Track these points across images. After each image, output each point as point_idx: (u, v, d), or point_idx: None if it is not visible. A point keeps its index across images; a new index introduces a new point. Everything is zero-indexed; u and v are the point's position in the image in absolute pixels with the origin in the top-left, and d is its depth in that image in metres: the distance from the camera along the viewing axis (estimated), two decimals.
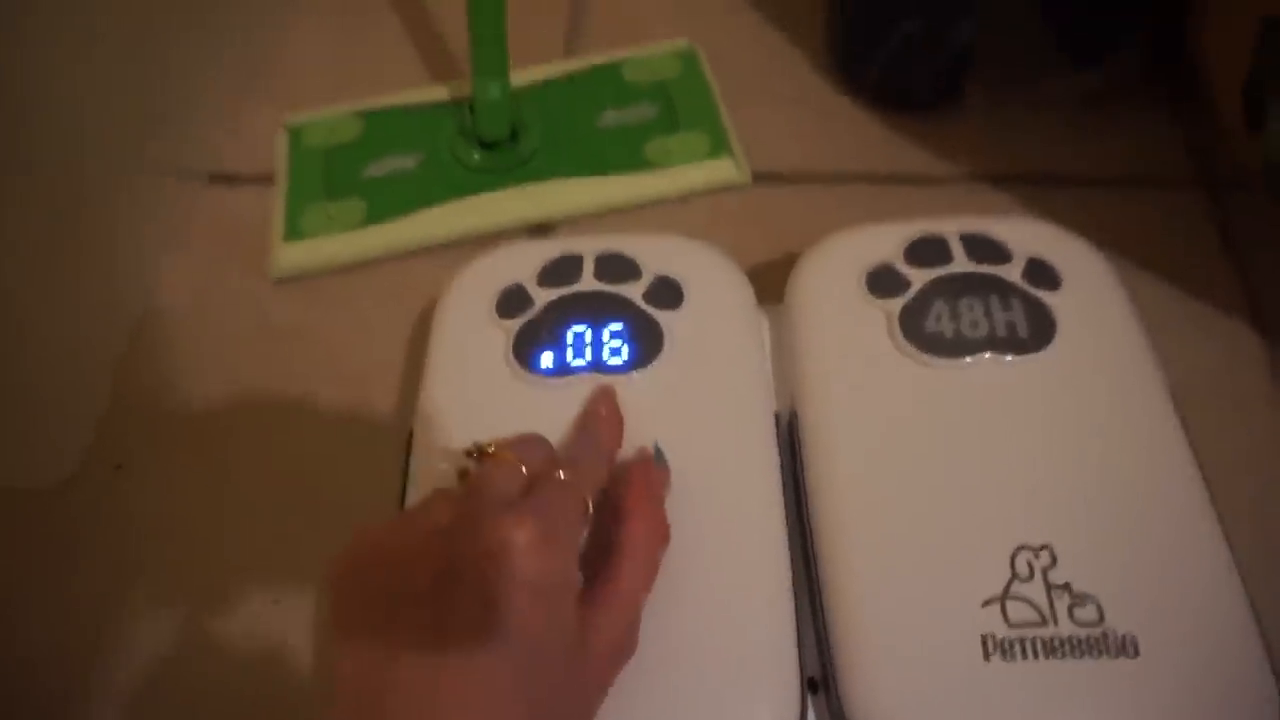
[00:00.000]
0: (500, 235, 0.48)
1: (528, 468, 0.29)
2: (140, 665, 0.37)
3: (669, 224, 0.49)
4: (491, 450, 0.30)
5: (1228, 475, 0.34)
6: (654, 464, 0.33)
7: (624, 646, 0.29)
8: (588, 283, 0.38)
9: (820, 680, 0.31)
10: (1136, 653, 0.29)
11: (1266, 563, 0.34)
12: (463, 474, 0.31)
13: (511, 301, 0.38)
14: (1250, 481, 0.38)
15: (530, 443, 0.31)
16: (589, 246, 0.39)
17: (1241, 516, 0.33)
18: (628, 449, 0.34)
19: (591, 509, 0.30)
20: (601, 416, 0.34)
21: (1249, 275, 0.46)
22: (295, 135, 0.52)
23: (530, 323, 0.37)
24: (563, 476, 0.29)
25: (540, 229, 0.49)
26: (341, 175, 0.50)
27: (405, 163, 0.51)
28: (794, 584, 0.32)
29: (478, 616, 0.25)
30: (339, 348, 0.46)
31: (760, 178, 0.51)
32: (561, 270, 0.38)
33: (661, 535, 0.31)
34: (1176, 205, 0.49)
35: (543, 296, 0.37)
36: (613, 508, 0.31)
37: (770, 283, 0.40)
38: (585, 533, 0.30)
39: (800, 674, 0.30)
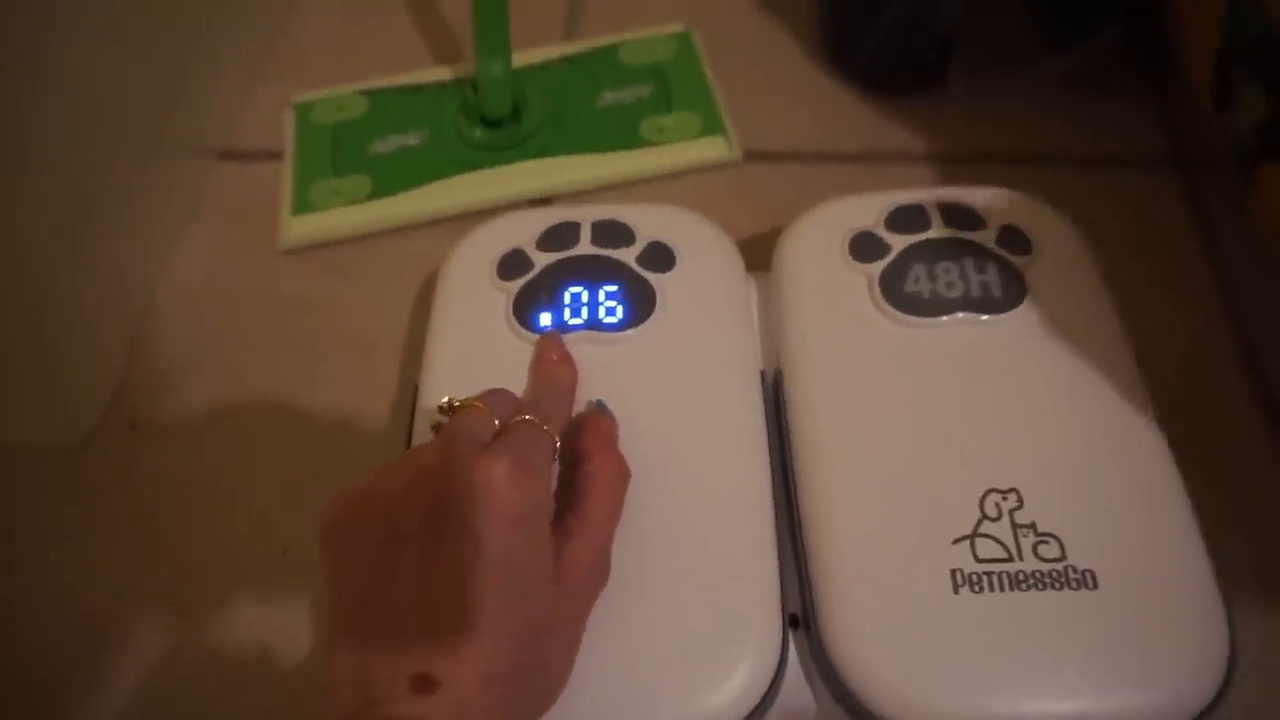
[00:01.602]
0: (501, 210, 0.50)
1: (497, 415, 0.31)
2: (157, 618, 0.39)
3: (663, 199, 0.50)
4: (460, 403, 0.32)
5: (1196, 446, 0.35)
6: (599, 412, 0.35)
7: (597, 574, 0.31)
8: (584, 247, 0.40)
9: (801, 616, 0.33)
10: (1095, 585, 0.31)
11: (1232, 519, 0.35)
12: (437, 427, 0.33)
13: (512, 264, 0.39)
14: (1218, 452, 0.40)
15: (497, 394, 0.33)
16: (586, 214, 0.41)
17: (1209, 481, 0.34)
18: (620, 405, 0.35)
19: (558, 444, 0.32)
20: (553, 361, 0.36)
21: (1219, 252, 0.48)
22: (303, 113, 0.54)
23: (530, 284, 0.39)
24: (528, 418, 0.31)
25: (540, 204, 0.51)
26: (348, 151, 0.52)
27: (410, 140, 0.52)
28: (777, 527, 0.34)
29: (465, 548, 0.27)
30: (346, 315, 0.48)
31: (751, 156, 0.52)
32: (560, 235, 0.40)
33: (623, 472, 0.33)
34: (1151, 184, 0.51)
35: (542, 260, 0.39)
36: (571, 455, 0.33)
37: (758, 254, 0.42)
38: (554, 469, 0.32)
39: (782, 610, 0.32)
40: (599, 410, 0.35)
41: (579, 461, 0.32)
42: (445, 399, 0.32)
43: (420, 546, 0.28)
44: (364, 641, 0.27)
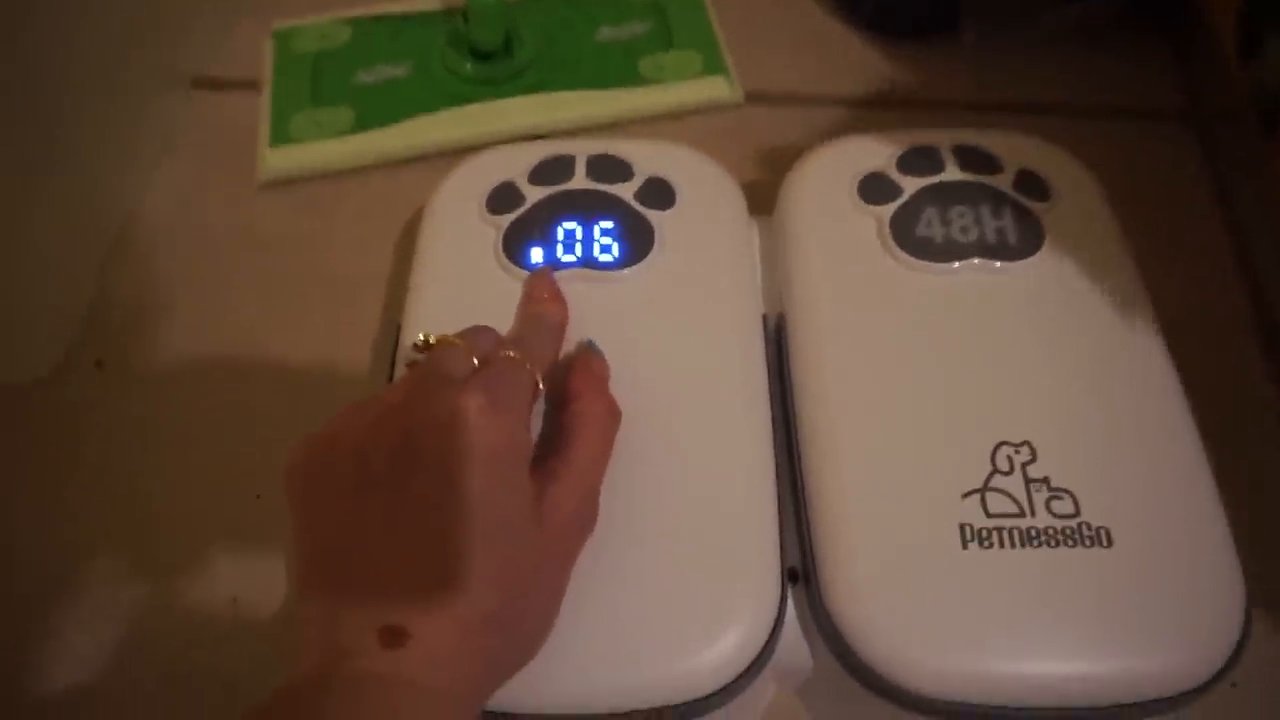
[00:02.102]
0: (491, 147, 0.47)
1: (476, 353, 0.29)
2: (121, 567, 0.37)
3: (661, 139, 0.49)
4: (437, 340, 0.30)
5: (1208, 402, 0.34)
6: (590, 352, 0.33)
7: (583, 519, 0.29)
8: (580, 181, 0.38)
9: (800, 570, 0.32)
10: (1109, 544, 0.30)
11: (1244, 473, 0.34)
12: (412, 365, 0.31)
13: (502, 198, 0.37)
14: (1230, 411, 0.39)
15: (478, 331, 0.31)
16: (581, 148, 0.39)
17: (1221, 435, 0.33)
18: (614, 347, 0.34)
19: (541, 386, 0.30)
20: (543, 298, 0.34)
21: (1233, 207, 0.46)
22: (282, 41, 0.52)
23: (520, 219, 0.37)
24: (510, 354, 0.29)
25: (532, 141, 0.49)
26: (330, 82, 0.50)
27: (395, 71, 0.50)
28: (776, 476, 0.32)
29: (435, 489, 0.25)
30: (326, 254, 0.46)
31: (753, 98, 0.50)
32: (553, 169, 0.38)
33: (613, 413, 0.31)
34: (1165, 138, 0.49)
35: (534, 194, 0.37)
36: (559, 396, 0.31)
37: (759, 199, 0.40)
38: (536, 406, 0.30)
39: (781, 564, 0.31)
40: (590, 350, 0.33)
41: (566, 402, 0.31)
42: (421, 335, 0.30)
43: (389, 489, 0.26)
44: (332, 592, 0.26)
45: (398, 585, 0.25)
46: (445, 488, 0.25)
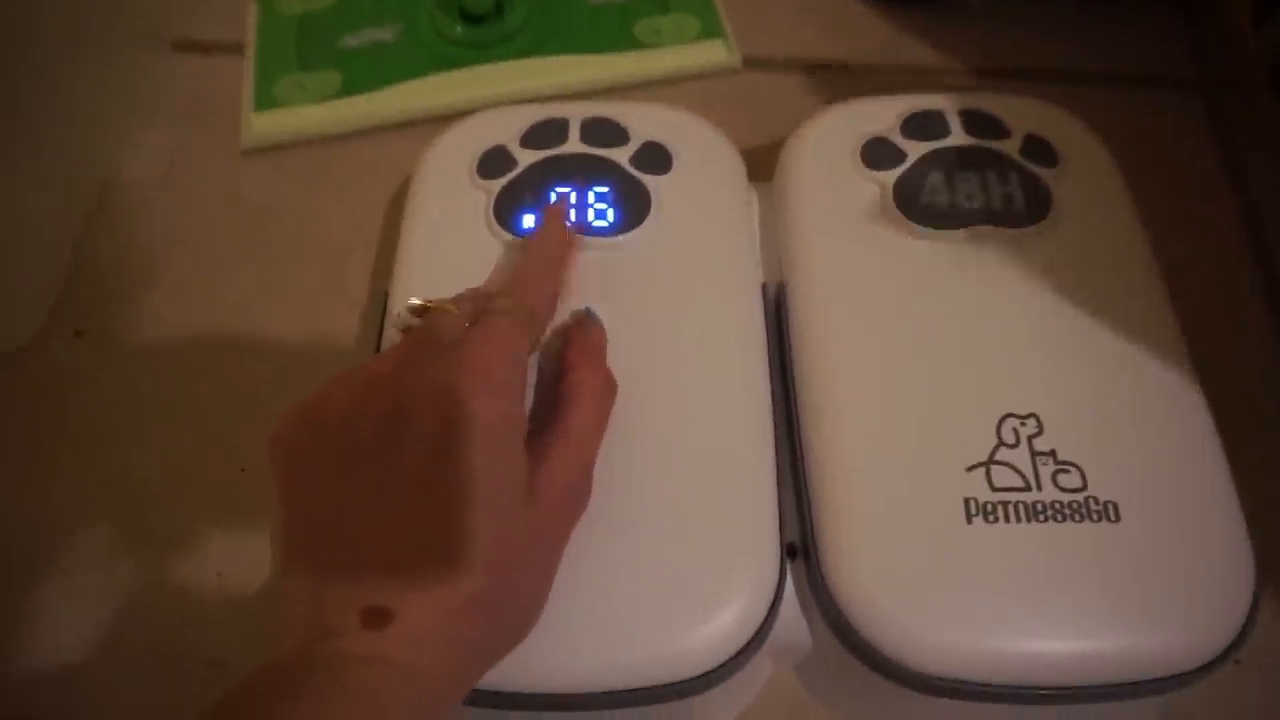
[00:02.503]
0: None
1: (471, 318, 0.28)
2: (102, 541, 0.36)
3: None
4: (430, 304, 0.29)
5: (1215, 371, 0.33)
6: (589, 320, 0.32)
7: (576, 496, 0.28)
8: (574, 145, 0.36)
9: (800, 545, 0.31)
10: (1117, 518, 0.29)
11: (1253, 451, 0.33)
12: (406, 331, 0.30)
13: (493, 162, 0.36)
14: (1238, 380, 0.38)
15: (472, 295, 0.30)
16: (575, 111, 0.38)
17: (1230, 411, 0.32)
18: (609, 315, 0.33)
19: (537, 336, 0.29)
20: (553, 232, 0.33)
21: (1243, 177, 0.45)
22: (266, 2, 0.50)
23: (512, 184, 0.35)
24: (504, 305, 0.28)
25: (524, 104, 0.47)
26: (315, 45, 0.48)
27: (383, 34, 0.48)
28: (775, 449, 0.31)
29: (426, 461, 0.24)
30: (312, 221, 0.44)
31: (751, 64, 0.49)
32: (546, 133, 0.37)
33: (609, 386, 0.30)
34: (1175, 107, 0.48)
35: (526, 158, 0.36)
36: (554, 367, 0.30)
37: (758, 166, 0.39)
38: (532, 369, 0.29)
39: (780, 539, 0.30)
40: (588, 318, 0.32)
41: (562, 373, 0.30)
42: (412, 300, 0.29)
43: (377, 460, 0.25)
44: (317, 569, 0.25)
45: (384, 562, 0.24)
46: (436, 461, 0.24)
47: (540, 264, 0.32)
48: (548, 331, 0.32)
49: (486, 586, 0.24)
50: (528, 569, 0.26)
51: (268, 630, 0.33)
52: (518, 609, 0.26)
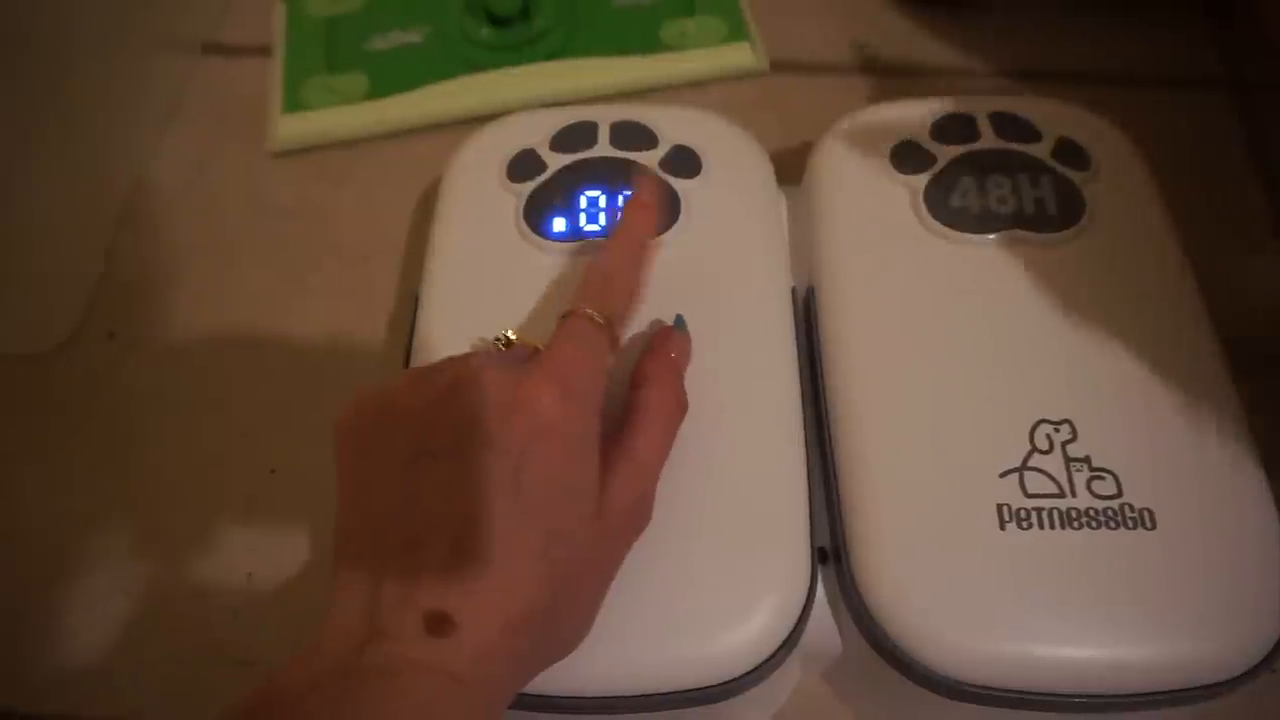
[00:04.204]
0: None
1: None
2: (132, 541, 0.37)
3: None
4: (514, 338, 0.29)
5: (1250, 375, 0.32)
6: (675, 333, 0.31)
7: (638, 515, 0.28)
8: (603, 148, 0.36)
9: (831, 550, 0.31)
10: (1153, 525, 0.29)
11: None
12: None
13: (523, 165, 0.36)
14: (1274, 384, 0.37)
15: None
16: (605, 114, 0.38)
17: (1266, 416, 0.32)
18: (642, 319, 0.32)
19: (617, 339, 0.29)
20: (631, 232, 0.31)
21: (1276, 177, 0.45)
22: (295, 5, 0.50)
23: (542, 187, 0.35)
24: (585, 312, 0.28)
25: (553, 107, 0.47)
26: (343, 47, 0.48)
27: (410, 37, 0.49)
28: (806, 453, 0.31)
29: (501, 472, 0.24)
30: (339, 224, 0.45)
31: (778, 66, 0.49)
32: (576, 136, 0.37)
33: (680, 405, 0.30)
34: (1204, 107, 0.48)
35: (556, 161, 0.36)
36: (632, 372, 0.30)
37: (786, 169, 0.39)
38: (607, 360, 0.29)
39: (811, 543, 0.30)
40: (674, 330, 0.31)
41: (635, 383, 0.29)
42: (504, 333, 0.29)
43: (450, 466, 0.24)
44: (377, 563, 0.24)
45: (450, 570, 0.23)
46: (515, 473, 0.24)
47: (621, 261, 0.31)
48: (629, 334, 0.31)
49: (548, 601, 0.24)
50: (586, 587, 0.26)
51: (299, 630, 0.34)
52: (572, 626, 0.26)
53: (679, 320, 0.32)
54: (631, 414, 0.28)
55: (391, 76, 0.47)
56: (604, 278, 0.30)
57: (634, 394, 0.29)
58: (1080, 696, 0.28)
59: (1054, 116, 0.37)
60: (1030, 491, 0.29)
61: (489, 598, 0.23)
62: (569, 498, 0.25)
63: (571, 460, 0.25)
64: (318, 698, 0.22)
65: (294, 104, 0.47)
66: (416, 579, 0.23)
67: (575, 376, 0.26)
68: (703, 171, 0.36)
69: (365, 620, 0.23)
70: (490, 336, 0.31)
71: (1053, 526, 0.29)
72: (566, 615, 0.25)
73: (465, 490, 0.24)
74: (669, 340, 0.31)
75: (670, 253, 0.34)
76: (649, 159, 0.36)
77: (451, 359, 0.27)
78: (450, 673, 0.22)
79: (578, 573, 0.25)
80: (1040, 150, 0.36)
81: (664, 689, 0.28)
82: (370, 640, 0.23)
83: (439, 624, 0.23)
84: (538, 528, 0.24)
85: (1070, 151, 0.36)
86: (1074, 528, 0.29)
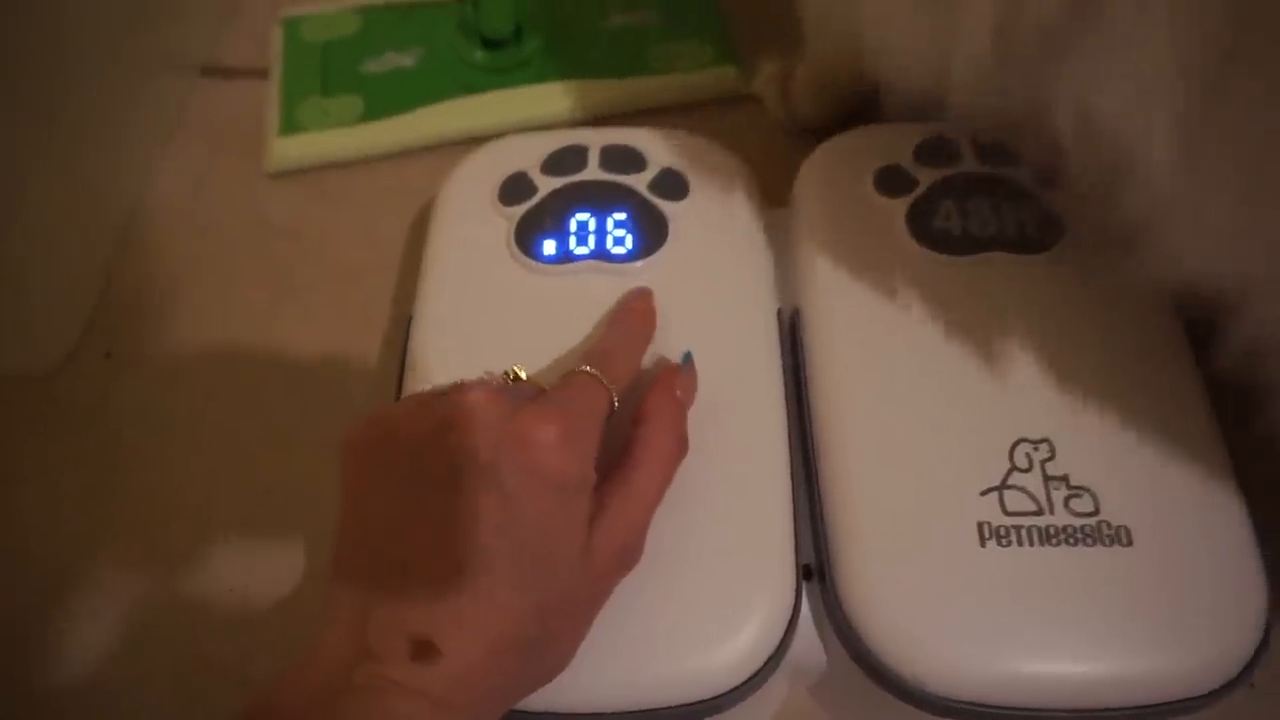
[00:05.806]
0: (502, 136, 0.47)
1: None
2: (129, 560, 0.37)
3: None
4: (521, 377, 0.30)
5: (1227, 394, 0.33)
6: (681, 371, 0.32)
7: (628, 554, 0.28)
8: (593, 172, 0.37)
9: (815, 567, 0.31)
10: (1130, 543, 0.29)
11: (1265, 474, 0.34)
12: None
13: (515, 188, 0.37)
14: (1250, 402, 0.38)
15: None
16: (595, 138, 0.38)
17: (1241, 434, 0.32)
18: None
19: (616, 404, 0.29)
20: (637, 310, 0.33)
21: None
22: (291, 29, 0.51)
23: (533, 210, 0.36)
24: (589, 370, 0.28)
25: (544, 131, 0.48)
26: (339, 71, 0.49)
27: (405, 60, 0.49)
28: (791, 472, 0.32)
29: (496, 506, 0.25)
30: (335, 245, 0.45)
31: None
32: (566, 159, 0.38)
33: (681, 446, 0.30)
34: None
35: (547, 184, 0.37)
36: (634, 410, 0.30)
37: (772, 191, 0.39)
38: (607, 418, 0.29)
39: (795, 561, 0.30)
40: (680, 368, 0.32)
41: (638, 419, 0.29)
42: (515, 369, 0.30)
43: (446, 494, 0.25)
44: (370, 581, 0.25)
45: (438, 596, 0.24)
46: (505, 509, 0.25)
47: (624, 339, 0.32)
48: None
49: (532, 632, 0.25)
50: (571, 619, 0.27)
51: (295, 648, 0.34)
52: (556, 655, 0.27)
53: (686, 356, 0.32)
54: (631, 451, 0.29)
55: (385, 99, 0.48)
56: (606, 353, 0.30)
57: (635, 430, 0.29)
58: (1061, 711, 0.28)
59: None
60: (1010, 509, 0.30)
61: (473, 626, 0.24)
62: (557, 535, 0.26)
63: (562, 502, 0.26)
64: (304, 714, 0.22)
65: (290, 125, 0.47)
66: (404, 603, 0.24)
67: (575, 419, 0.27)
68: (690, 194, 0.37)
69: (355, 639, 0.24)
70: (490, 362, 0.31)
71: (1032, 544, 0.29)
72: (550, 645, 0.26)
73: (455, 521, 0.25)
74: (675, 377, 0.31)
75: (657, 274, 0.35)
76: (638, 182, 0.37)
77: (457, 385, 0.28)
78: (433, 698, 0.23)
79: (562, 607, 0.26)
80: (1021, 175, 0.36)
81: (651, 705, 0.28)
82: (359, 661, 0.23)
83: (424, 650, 0.23)
84: (524, 562, 0.25)
85: (1049, 177, 0.37)
86: (1053, 545, 0.29)
